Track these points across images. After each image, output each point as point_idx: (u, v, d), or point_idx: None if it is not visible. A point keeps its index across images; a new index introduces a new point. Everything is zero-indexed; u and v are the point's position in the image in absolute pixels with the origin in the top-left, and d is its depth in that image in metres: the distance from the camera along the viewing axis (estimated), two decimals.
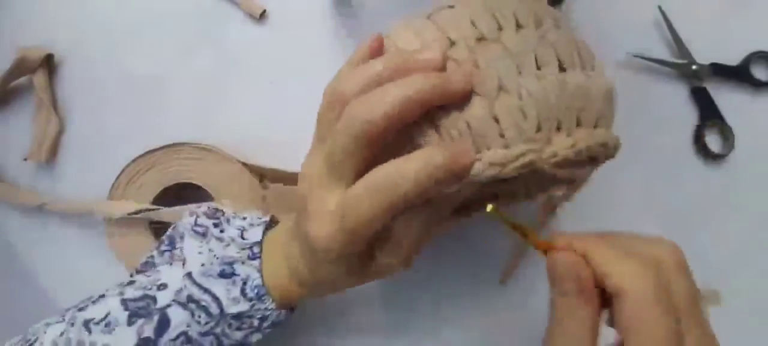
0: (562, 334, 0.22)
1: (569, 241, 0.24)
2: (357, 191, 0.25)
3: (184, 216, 0.35)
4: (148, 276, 0.31)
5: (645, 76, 0.42)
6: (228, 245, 0.31)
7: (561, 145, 0.25)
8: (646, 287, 0.20)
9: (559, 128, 0.26)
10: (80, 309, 0.31)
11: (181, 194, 0.41)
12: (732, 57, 0.42)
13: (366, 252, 0.28)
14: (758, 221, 0.41)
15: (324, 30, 0.43)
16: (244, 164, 0.39)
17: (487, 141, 0.25)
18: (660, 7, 0.42)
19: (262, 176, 0.41)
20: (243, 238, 0.32)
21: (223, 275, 0.30)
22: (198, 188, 0.40)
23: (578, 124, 0.27)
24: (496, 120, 0.25)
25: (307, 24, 0.43)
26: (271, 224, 0.34)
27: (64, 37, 0.44)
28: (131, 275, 0.34)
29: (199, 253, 0.30)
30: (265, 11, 0.43)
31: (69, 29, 0.44)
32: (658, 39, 0.42)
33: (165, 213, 0.39)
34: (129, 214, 0.39)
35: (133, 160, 0.39)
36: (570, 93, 0.26)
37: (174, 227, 0.34)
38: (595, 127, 0.27)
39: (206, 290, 0.30)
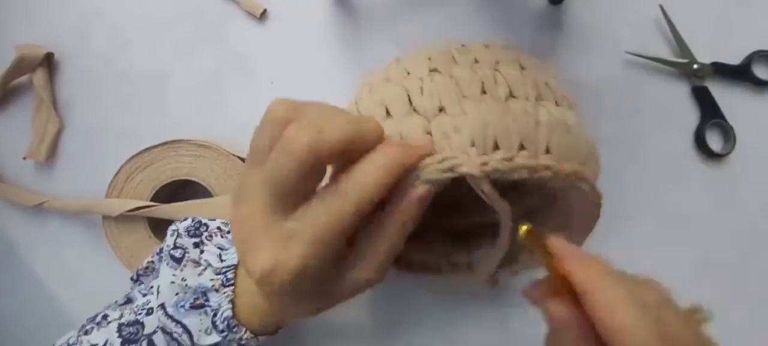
0: None
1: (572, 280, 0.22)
2: (313, 205, 0.23)
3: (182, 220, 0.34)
4: (145, 295, 0.31)
5: (646, 75, 0.42)
6: (204, 269, 0.30)
7: (494, 157, 0.24)
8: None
9: (496, 148, 0.25)
10: (86, 332, 0.31)
11: (180, 190, 0.41)
12: (733, 56, 0.41)
13: (332, 273, 0.25)
14: (759, 221, 0.41)
15: (324, 30, 0.43)
16: (242, 160, 0.39)
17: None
18: (661, 6, 0.41)
19: None
20: (221, 259, 0.30)
21: (195, 306, 0.29)
22: (197, 184, 0.40)
23: (522, 148, 0.25)
24: (429, 134, 0.25)
25: (307, 24, 0.43)
26: None
27: (63, 35, 0.45)
28: (132, 278, 0.34)
29: (172, 282, 0.29)
30: (265, 11, 0.43)
31: (69, 28, 0.45)
32: (659, 38, 0.42)
33: (163, 210, 0.39)
34: (127, 211, 0.39)
35: (131, 158, 0.39)
36: (512, 117, 0.25)
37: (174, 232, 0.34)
38: (546, 153, 0.25)
39: (178, 323, 0.29)
